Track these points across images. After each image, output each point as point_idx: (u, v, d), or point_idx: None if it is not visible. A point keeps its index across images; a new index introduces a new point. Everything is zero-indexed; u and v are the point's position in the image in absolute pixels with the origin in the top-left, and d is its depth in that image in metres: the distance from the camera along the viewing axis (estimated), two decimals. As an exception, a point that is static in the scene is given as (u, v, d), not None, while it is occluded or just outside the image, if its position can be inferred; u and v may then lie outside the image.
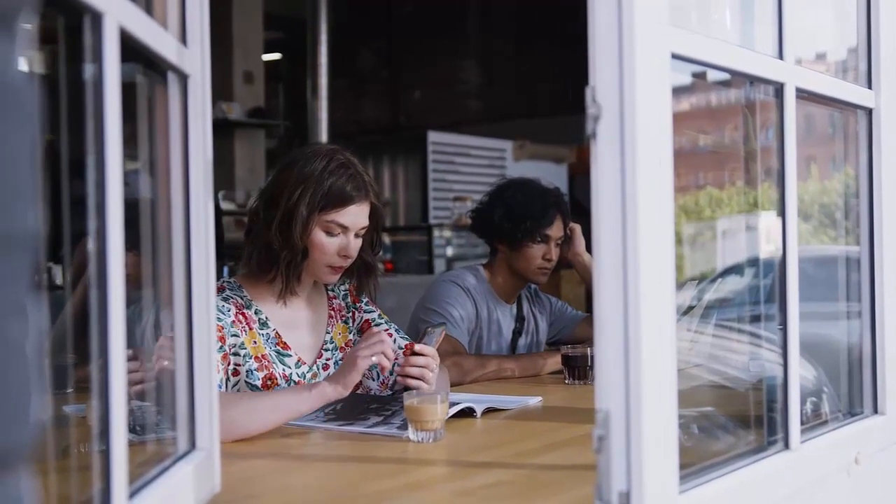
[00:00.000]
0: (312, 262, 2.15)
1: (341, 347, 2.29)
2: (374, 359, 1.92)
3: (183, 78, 1.32)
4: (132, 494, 1.06)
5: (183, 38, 1.32)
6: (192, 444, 1.34)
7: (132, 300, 1.05)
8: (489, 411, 2.13)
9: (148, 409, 1.42)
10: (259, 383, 2.09)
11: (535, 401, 2.31)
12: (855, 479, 1.64)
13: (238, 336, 2.09)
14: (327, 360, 2.25)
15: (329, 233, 2.13)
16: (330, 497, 1.52)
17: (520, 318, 3.09)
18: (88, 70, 0.99)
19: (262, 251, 2.14)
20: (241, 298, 2.16)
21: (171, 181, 1.32)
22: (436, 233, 7.25)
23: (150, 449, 1.37)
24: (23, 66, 0.58)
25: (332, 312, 2.31)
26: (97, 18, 0.97)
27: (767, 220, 1.79)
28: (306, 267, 2.17)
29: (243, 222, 3.43)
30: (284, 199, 2.10)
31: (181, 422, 1.33)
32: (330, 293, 2.33)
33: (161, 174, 1.32)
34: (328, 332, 2.28)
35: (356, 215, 2.14)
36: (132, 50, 1.09)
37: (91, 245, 0.99)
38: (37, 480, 0.63)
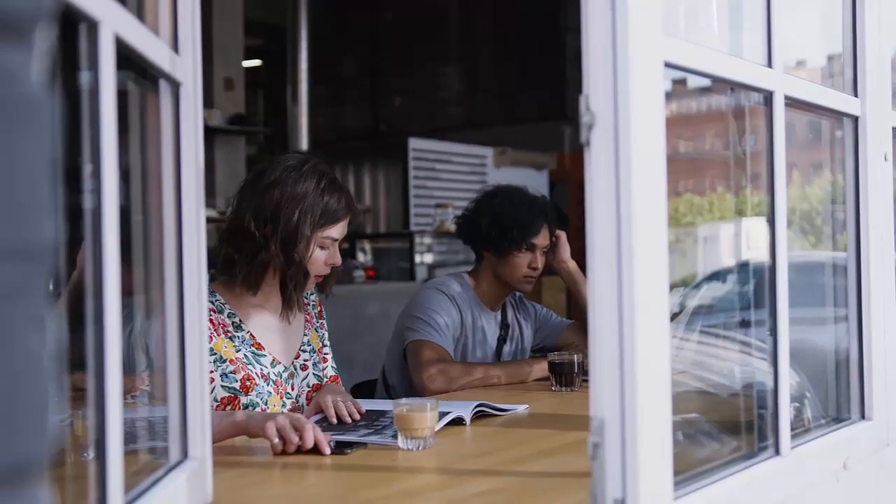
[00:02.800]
0: None
1: (317, 351, 2.37)
2: (275, 441, 1.77)
3: (175, 85, 1.31)
4: (127, 505, 1.05)
5: (175, 46, 1.31)
6: (185, 454, 1.33)
7: (122, 307, 1.04)
8: (479, 416, 2.13)
9: (136, 418, 1.41)
10: (238, 385, 2.13)
11: (522, 408, 2.31)
12: (844, 485, 1.65)
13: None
14: (305, 360, 2.32)
15: (322, 247, 2.21)
16: (321, 506, 1.51)
17: (504, 326, 3.08)
18: (83, 77, 0.98)
19: (259, 267, 2.17)
20: (213, 303, 2.19)
21: (162, 188, 1.31)
22: (417, 239, 7.23)
23: (142, 458, 1.36)
24: (39, 77, 0.58)
25: (308, 317, 2.38)
26: (93, 27, 0.97)
27: (749, 227, 1.80)
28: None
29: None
30: (283, 220, 2.14)
31: (173, 431, 1.32)
32: (303, 299, 2.38)
33: (153, 181, 1.32)
34: (305, 335, 2.35)
35: (344, 227, 2.26)
36: (125, 57, 1.08)
37: (84, 253, 0.98)
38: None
